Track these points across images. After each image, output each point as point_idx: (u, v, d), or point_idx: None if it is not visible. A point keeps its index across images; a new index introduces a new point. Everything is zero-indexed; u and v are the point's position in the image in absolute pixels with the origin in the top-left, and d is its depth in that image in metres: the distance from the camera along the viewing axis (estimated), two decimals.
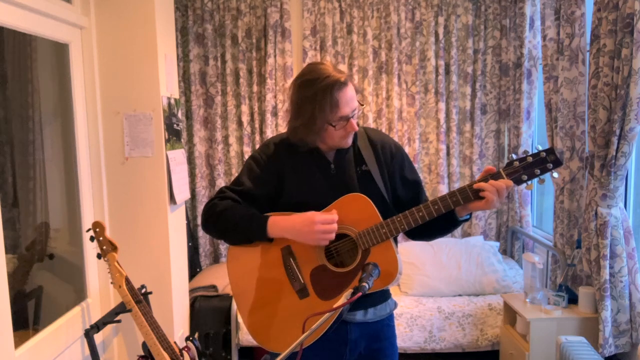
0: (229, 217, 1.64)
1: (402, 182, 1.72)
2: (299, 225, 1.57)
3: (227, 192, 1.70)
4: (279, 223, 1.60)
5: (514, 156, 1.52)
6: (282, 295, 1.62)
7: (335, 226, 1.56)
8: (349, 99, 1.57)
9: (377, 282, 1.50)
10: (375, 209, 1.58)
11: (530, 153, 1.50)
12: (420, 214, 1.54)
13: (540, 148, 1.49)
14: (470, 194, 1.52)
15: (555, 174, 1.50)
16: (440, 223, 1.63)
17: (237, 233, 1.66)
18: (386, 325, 1.77)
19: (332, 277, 1.61)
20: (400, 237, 1.69)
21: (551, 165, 1.47)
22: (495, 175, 1.51)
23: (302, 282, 1.63)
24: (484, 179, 1.53)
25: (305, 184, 1.66)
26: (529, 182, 1.50)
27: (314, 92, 1.55)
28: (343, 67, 4.00)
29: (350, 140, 1.66)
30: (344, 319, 1.66)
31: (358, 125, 1.67)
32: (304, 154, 1.68)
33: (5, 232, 1.99)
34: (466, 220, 1.63)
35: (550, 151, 1.48)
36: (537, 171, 1.48)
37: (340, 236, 1.62)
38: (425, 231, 1.68)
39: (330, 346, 1.68)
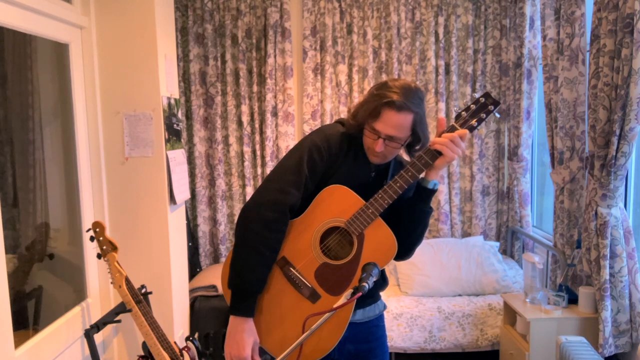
0: (254, 266, 1.60)
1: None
2: (238, 337, 1.59)
3: (293, 195, 1.62)
4: (238, 326, 1.60)
5: (458, 108, 1.66)
6: (295, 306, 1.61)
7: None
8: (392, 122, 1.60)
9: (382, 258, 1.60)
10: (356, 195, 1.62)
11: (471, 102, 1.64)
12: (398, 184, 1.60)
13: (477, 95, 1.64)
14: (435, 152, 1.60)
15: (497, 114, 1.72)
16: (415, 203, 1.68)
17: (239, 279, 1.62)
18: (375, 325, 1.80)
19: (336, 271, 1.63)
20: None
21: (492, 107, 1.61)
22: (449, 130, 1.61)
23: (310, 286, 1.63)
24: (439, 135, 1.62)
25: (340, 179, 1.66)
26: (479, 127, 1.63)
27: (376, 94, 1.63)
28: (343, 67, 4.00)
29: (375, 160, 1.69)
30: None
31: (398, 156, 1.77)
32: (355, 153, 1.70)
33: (5, 232, 2.00)
34: (434, 190, 1.67)
35: (486, 95, 1.62)
36: (483, 115, 1.62)
37: (329, 231, 1.64)
38: (405, 226, 1.70)
39: None
